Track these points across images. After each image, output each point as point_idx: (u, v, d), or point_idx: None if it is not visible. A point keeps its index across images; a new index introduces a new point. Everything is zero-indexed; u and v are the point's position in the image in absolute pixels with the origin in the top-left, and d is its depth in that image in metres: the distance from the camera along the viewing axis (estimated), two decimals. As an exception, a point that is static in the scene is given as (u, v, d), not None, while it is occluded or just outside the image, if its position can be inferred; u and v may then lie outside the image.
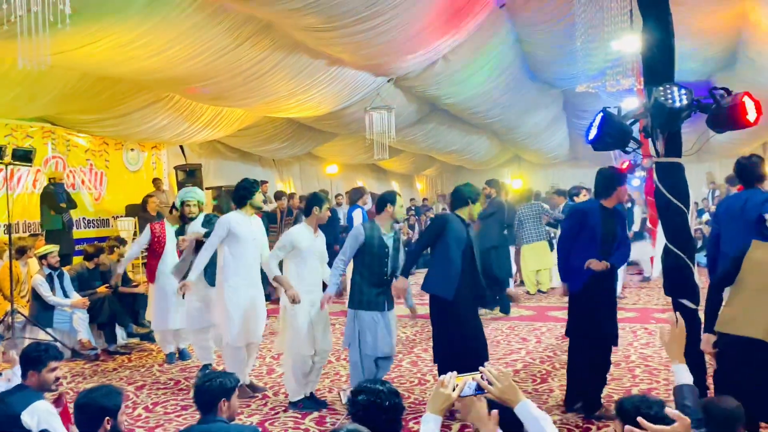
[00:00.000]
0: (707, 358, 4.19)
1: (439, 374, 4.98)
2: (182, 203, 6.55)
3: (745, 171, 4.91)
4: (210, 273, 5.91)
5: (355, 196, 10.13)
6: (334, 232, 10.01)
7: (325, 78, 9.76)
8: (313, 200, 5.42)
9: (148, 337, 7.95)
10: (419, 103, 13.35)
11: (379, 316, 5.10)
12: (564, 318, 8.43)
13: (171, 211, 7.27)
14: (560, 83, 14.89)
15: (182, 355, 7.06)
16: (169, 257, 6.80)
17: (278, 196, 11.11)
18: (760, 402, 3.64)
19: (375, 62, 9.84)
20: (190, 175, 12.13)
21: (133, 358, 7.27)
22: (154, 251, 6.98)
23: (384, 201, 5.25)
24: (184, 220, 6.60)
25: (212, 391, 3.16)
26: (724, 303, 4.06)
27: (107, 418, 2.98)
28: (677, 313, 3.01)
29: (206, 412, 3.18)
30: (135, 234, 10.22)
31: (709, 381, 4.48)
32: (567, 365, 5.21)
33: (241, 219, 5.53)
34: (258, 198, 5.63)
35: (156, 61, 7.62)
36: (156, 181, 11.92)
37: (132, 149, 11.91)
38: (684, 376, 2.81)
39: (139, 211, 10.58)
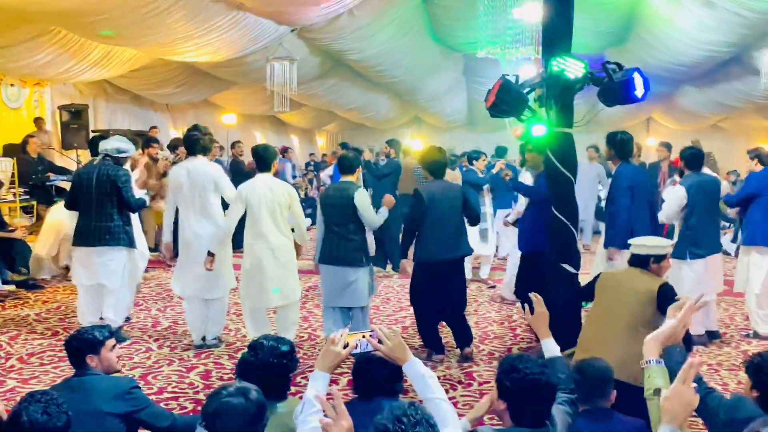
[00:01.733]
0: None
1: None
2: None
3: (621, 145, 5.58)
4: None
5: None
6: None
7: (225, 22, 9.36)
8: (273, 153, 5.55)
9: (25, 284, 7.56)
10: (322, 56, 13.12)
11: None
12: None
13: None
14: (462, 48, 15.04)
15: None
16: None
17: (177, 144, 10.25)
18: None
19: (277, 10, 9.55)
20: (76, 116, 11.43)
21: (7, 306, 6.89)
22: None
23: (358, 162, 5.62)
24: None
25: (75, 347, 3.10)
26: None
27: None
28: (536, 294, 3.14)
29: (77, 366, 3.11)
30: (13, 176, 9.52)
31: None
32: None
33: None
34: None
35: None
36: (38, 121, 11.16)
37: (12, 85, 11.06)
38: (552, 349, 2.99)
39: (18, 152, 9.90)
